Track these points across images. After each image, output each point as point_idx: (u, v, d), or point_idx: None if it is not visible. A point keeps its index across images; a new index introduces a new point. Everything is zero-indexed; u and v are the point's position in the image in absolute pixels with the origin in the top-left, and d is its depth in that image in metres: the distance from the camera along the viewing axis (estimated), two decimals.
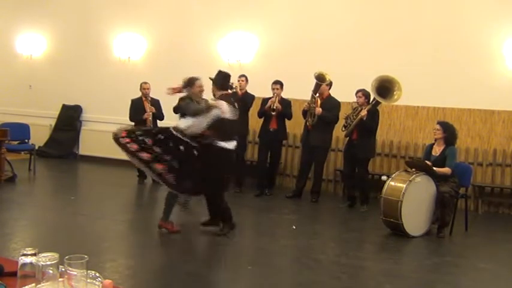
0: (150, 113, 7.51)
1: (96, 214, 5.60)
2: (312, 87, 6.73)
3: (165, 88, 5.23)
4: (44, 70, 10.34)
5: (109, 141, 9.86)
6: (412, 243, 5.14)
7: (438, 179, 5.39)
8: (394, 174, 5.55)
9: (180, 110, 5.15)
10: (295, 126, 7.70)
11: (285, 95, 7.24)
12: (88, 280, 1.49)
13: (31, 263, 1.52)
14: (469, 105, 7.21)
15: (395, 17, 7.62)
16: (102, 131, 9.60)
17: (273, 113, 6.99)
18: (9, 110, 10.10)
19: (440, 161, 5.51)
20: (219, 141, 4.75)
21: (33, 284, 1.48)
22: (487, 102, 7.08)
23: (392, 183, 5.36)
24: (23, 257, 1.54)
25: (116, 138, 4.79)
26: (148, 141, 4.69)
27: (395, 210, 5.18)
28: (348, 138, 6.73)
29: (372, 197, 6.84)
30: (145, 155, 4.59)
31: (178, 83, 5.13)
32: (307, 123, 6.87)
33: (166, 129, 4.93)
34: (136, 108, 7.60)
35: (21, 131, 8.04)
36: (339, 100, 6.87)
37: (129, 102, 7.73)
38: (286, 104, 7.12)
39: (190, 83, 4.99)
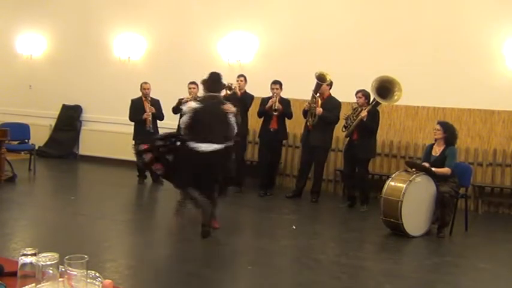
0: (150, 113, 7.50)
1: (96, 214, 5.60)
2: (312, 87, 6.73)
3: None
4: (44, 70, 10.34)
5: (109, 141, 9.98)
6: (412, 243, 5.14)
7: (438, 179, 5.39)
8: (394, 174, 5.55)
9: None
10: (295, 126, 7.70)
11: (285, 95, 7.24)
12: (88, 280, 1.49)
13: (31, 263, 1.52)
14: (469, 105, 7.21)
15: (395, 17, 7.62)
16: (102, 131, 9.63)
17: (275, 113, 6.99)
18: (9, 110, 10.10)
19: (440, 161, 5.50)
20: (191, 142, 4.72)
21: (33, 284, 1.48)
22: (487, 102, 7.08)
23: (392, 183, 5.36)
24: (23, 257, 1.54)
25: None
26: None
27: (396, 210, 5.18)
28: (348, 138, 6.72)
29: (372, 197, 6.84)
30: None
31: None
32: (308, 123, 6.87)
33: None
34: (136, 108, 7.60)
35: (21, 131, 8.04)
36: (339, 100, 6.87)
37: (129, 102, 7.73)
38: (286, 103, 7.12)
39: None
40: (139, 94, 7.67)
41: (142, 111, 7.51)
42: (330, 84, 6.81)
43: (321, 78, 6.65)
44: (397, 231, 5.28)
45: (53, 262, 1.49)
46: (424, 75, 7.29)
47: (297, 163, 7.87)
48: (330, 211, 6.86)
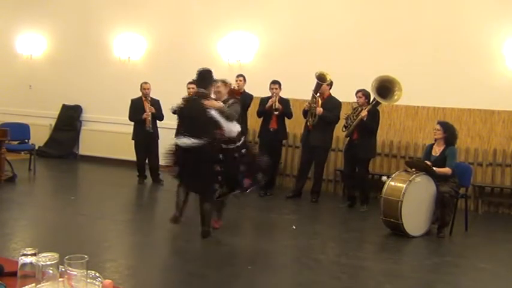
0: (150, 113, 7.50)
1: (96, 214, 5.60)
2: (312, 87, 6.73)
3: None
4: (44, 70, 10.34)
5: (109, 141, 9.98)
6: (412, 243, 5.14)
7: (438, 179, 5.39)
8: (394, 174, 5.55)
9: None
10: (295, 126, 7.70)
11: (285, 95, 7.24)
12: (88, 280, 1.49)
13: (31, 263, 1.52)
14: (469, 105, 7.21)
15: (395, 17, 7.62)
16: (102, 131, 9.63)
17: (276, 113, 6.99)
18: (9, 110, 10.10)
19: (440, 161, 5.50)
20: (175, 137, 4.87)
21: (33, 284, 1.48)
22: (487, 102, 7.08)
23: (392, 183, 5.36)
24: (23, 257, 1.54)
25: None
26: None
27: (396, 210, 5.18)
28: (348, 138, 6.72)
29: (372, 197, 6.84)
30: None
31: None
32: (308, 123, 6.86)
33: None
34: (136, 108, 7.60)
35: (21, 131, 8.04)
36: (340, 100, 6.87)
37: (129, 102, 7.73)
38: (285, 103, 7.13)
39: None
40: (139, 94, 7.67)
41: (142, 111, 7.51)
42: (330, 84, 6.81)
43: (321, 78, 6.65)
44: (397, 231, 5.28)
45: (53, 262, 1.49)
46: (424, 75, 7.29)
47: (297, 163, 7.87)
48: (330, 211, 6.86)
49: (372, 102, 6.36)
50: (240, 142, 4.87)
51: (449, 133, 5.59)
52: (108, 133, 9.50)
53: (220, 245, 4.72)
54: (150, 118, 7.50)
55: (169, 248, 4.77)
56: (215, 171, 4.67)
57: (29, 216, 5.45)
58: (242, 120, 6.67)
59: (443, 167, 5.45)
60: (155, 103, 7.68)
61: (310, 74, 6.70)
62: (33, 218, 5.39)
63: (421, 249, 5.06)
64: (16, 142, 8.13)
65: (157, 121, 7.72)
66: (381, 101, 6.29)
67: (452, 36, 7.28)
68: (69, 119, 10.03)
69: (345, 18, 7.91)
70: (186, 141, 4.65)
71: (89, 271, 1.49)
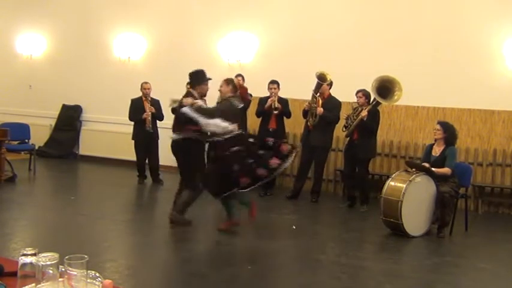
0: (150, 113, 7.50)
1: (96, 214, 5.60)
2: (312, 87, 6.72)
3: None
4: (44, 70, 10.34)
5: (109, 141, 9.98)
6: (412, 243, 5.14)
7: (438, 179, 5.39)
8: (394, 174, 5.55)
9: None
10: (295, 126, 7.70)
11: (285, 95, 7.24)
12: (88, 280, 1.49)
13: (31, 263, 1.52)
14: (469, 105, 7.21)
15: (395, 17, 7.62)
16: (102, 131, 9.63)
17: (275, 112, 6.99)
18: (9, 110, 10.10)
19: (440, 161, 5.50)
20: None
21: (33, 284, 1.48)
22: (487, 102, 7.08)
23: (392, 183, 5.36)
24: (23, 257, 1.54)
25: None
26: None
27: (396, 210, 5.18)
28: (348, 138, 6.72)
29: (372, 197, 6.84)
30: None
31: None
32: (308, 123, 6.86)
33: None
34: (136, 107, 7.61)
35: (21, 131, 8.04)
36: (340, 100, 6.87)
37: (129, 102, 7.73)
38: (284, 103, 7.13)
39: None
40: (140, 94, 7.67)
41: (142, 111, 7.51)
42: (330, 84, 6.81)
43: (321, 78, 6.65)
44: (397, 231, 5.27)
45: (53, 262, 1.49)
46: (424, 75, 7.29)
47: (297, 163, 7.85)
48: (330, 211, 6.86)
49: (372, 102, 6.36)
50: (227, 136, 4.86)
51: (449, 133, 5.59)
52: (108, 133, 9.50)
53: (220, 245, 4.72)
54: (150, 118, 7.50)
55: (169, 248, 4.77)
56: (192, 163, 5.09)
57: (29, 216, 5.45)
58: (242, 120, 6.69)
59: (443, 167, 5.45)
60: (155, 103, 7.68)
61: (310, 74, 6.70)
62: (33, 218, 5.39)
63: (421, 249, 5.06)
64: (16, 142, 8.14)
65: (157, 121, 7.72)
66: (381, 101, 6.28)
67: (452, 36, 7.28)
68: (69, 119, 10.03)
69: (345, 18, 7.91)
70: (171, 136, 5.19)
71: (89, 271, 1.49)
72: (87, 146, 9.85)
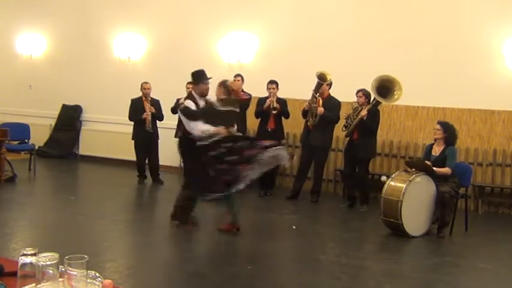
0: (149, 113, 7.50)
1: (96, 214, 5.60)
2: (312, 87, 6.72)
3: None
4: (44, 70, 10.34)
5: (109, 141, 9.97)
6: (412, 243, 5.14)
7: (438, 179, 5.39)
8: (394, 174, 5.55)
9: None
10: (295, 126, 7.70)
11: (285, 95, 7.24)
12: (88, 280, 1.49)
13: (31, 263, 1.52)
14: (469, 105, 7.21)
15: (395, 17, 7.62)
16: (102, 131, 9.63)
17: (274, 112, 6.99)
18: (9, 110, 10.10)
19: (440, 161, 5.51)
20: None
21: (33, 284, 1.48)
22: (487, 102, 7.08)
23: (392, 183, 5.36)
24: (23, 257, 1.54)
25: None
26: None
27: (395, 210, 5.18)
28: (348, 138, 6.72)
29: (372, 197, 6.84)
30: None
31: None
32: (308, 123, 6.85)
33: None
34: (136, 107, 7.60)
35: (21, 131, 8.04)
36: (339, 100, 6.87)
37: (129, 102, 7.73)
38: (282, 103, 7.12)
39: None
40: (139, 94, 7.67)
41: (142, 111, 7.51)
42: (330, 84, 6.81)
43: (321, 78, 6.65)
44: (397, 231, 5.28)
45: (53, 262, 1.49)
46: (424, 75, 7.29)
47: (297, 163, 7.86)
48: (330, 211, 6.86)
49: (372, 101, 6.36)
50: (210, 141, 4.79)
51: (449, 133, 5.59)
52: (108, 133, 9.50)
53: (220, 245, 4.72)
54: (150, 118, 7.50)
55: (169, 248, 4.77)
56: (186, 165, 5.30)
57: (29, 216, 5.45)
58: (242, 120, 6.69)
59: (443, 167, 5.45)
60: (155, 103, 7.68)
61: (310, 74, 6.70)
62: (33, 218, 5.39)
63: (421, 249, 5.06)
64: (16, 142, 8.14)
65: (157, 121, 7.72)
66: (380, 101, 6.29)
67: (452, 36, 7.28)
68: (69, 119, 10.03)
69: (345, 18, 7.91)
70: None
71: (89, 271, 1.49)
72: (87, 146, 9.85)
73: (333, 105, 6.80)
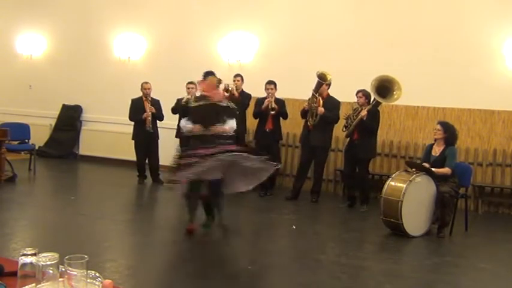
0: (150, 113, 7.50)
1: (96, 214, 5.60)
2: (312, 87, 6.72)
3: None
4: (44, 70, 10.34)
5: (109, 141, 9.98)
6: (412, 243, 5.14)
7: (438, 179, 5.39)
8: (394, 174, 5.55)
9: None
10: (295, 126, 7.69)
11: (285, 95, 7.24)
12: (88, 280, 1.49)
13: (31, 263, 1.52)
14: (469, 105, 7.21)
15: (395, 17, 7.62)
16: (102, 131, 9.63)
17: (272, 112, 6.99)
18: (9, 110, 10.10)
19: (440, 161, 5.50)
20: None
21: (33, 284, 1.48)
22: (487, 102, 7.08)
23: (392, 183, 5.36)
24: (23, 257, 1.54)
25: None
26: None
27: (396, 210, 5.18)
28: (348, 138, 6.72)
29: (372, 197, 6.84)
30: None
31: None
32: (308, 123, 6.85)
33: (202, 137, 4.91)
34: (136, 107, 7.60)
35: (21, 131, 8.04)
36: (339, 100, 6.88)
37: (129, 102, 7.73)
38: (280, 103, 7.12)
39: (220, 83, 5.15)
40: (140, 94, 7.67)
41: (143, 111, 7.51)
42: (329, 84, 6.80)
43: (322, 78, 6.65)
44: (397, 231, 5.27)
45: (53, 262, 1.49)
46: (424, 75, 7.29)
47: (297, 163, 7.86)
48: (330, 211, 6.86)
49: (372, 102, 6.36)
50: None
51: (449, 133, 5.59)
52: (108, 133, 9.50)
53: (220, 245, 4.72)
54: (150, 118, 7.50)
55: (169, 248, 4.76)
56: None
57: (29, 216, 5.45)
58: (241, 120, 6.69)
59: (443, 167, 5.45)
60: (155, 103, 7.68)
61: (311, 74, 6.70)
62: (33, 218, 5.38)
63: (421, 249, 5.06)
64: (16, 142, 8.13)
65: (158, 121, 7.72)
66: (380, 100, 6.29)
67: (452, 36, 7.28)
68: (69, 119, 10.03)
69: (344, 18, 7.91)
70: None
71: (89, 271, 1.49)
72: (87, 146, 9.85)
73: (332, 105, 6.80)
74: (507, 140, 7.07)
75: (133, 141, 7.76)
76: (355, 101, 6.57)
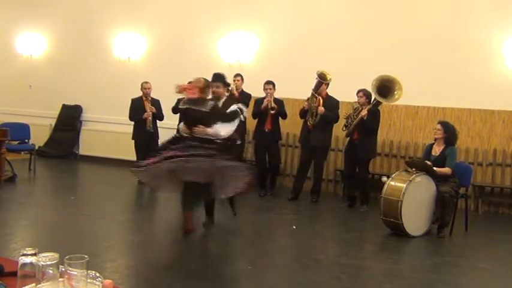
0: (150, 113, 7.50)
1: (97, 214, 5.60)
2: (312, 87, 6.72)
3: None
4: (44, 70, 10.34)
5: (109, 141, 9.97)
6: (412, 243, 5.14)
7: (438, 179, 5.39)
8: (394, 174, 5.55)
9: (224, 116, 4.97)
10: (295, 126, 7.68)
11: (285, 95, 7.23)
12: (88, 280, 1.49)
13: (31, 263, 1.52)
14: (469, 105, 7.21)
15: (395, 17, 7.62)
16: (102, 131, 9.63)
17: (272, 112, 6.98)
18: (9, 110, 10.10)
19: (440, 161, 5.50)
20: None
21: (33, 284, 1.48)
22: (487, 102, 7.08)
23: (392, 183, 5.36)
24: (23, 257, 1.54)
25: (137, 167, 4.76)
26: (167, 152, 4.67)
27: (396, 210, 5.18)
28: (348, 138, 6.72)
29: (372, 197, 6.84)
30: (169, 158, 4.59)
31: (185, 81, 5.18)
32: (308, 123, 6.84)
33: (182, 138, 4.90)
34: (136, 107, 7.60)
35: (21, 131, 8.04)
36: (339, 100, 6.88)
37: (129, 102, 7.73)
38: (279, 103, 7.12)
39: (208, 85, 5.04)
40: (140, 94, 7.67)
41: (143, 111, 7.51)
42: (327, 84, 6.80)
43: (322, 77, 6.65)
44: (397, 231, 5.28)
45: (53, 262, 1.49)
46: (424, 75, 7.29)
47: (297, 163, 7.86)
48: (330, 211, 6.86)
49: (373, 102, 6.36)
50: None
51: (449, 133, 5.60)
52: (108, 133, 9.50)
53: (220, 245, 4.72)
54: (150, 118, 7.50)
55: (169, 248, 4.77)
56: None
57: (29, 216, 5.45)
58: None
59: (443, 166, 5.45)
60: (155, 103, 7.68)
61: (310, 74, 6.70)
62: (33, 218, 5.38)
63: (421, 249, 5.06)
64: (16, 142, 8.14)
65: (158, 121, 7.72)
66: (381, 100, 6.29)
67: (452, 36, 7.28)
68: (69, 119, 10.03)
69: (344, 18, 7.91)
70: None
71: (89, 271, 1.49)
72: (87, 146, 9.85)
73: (332, 104, 6.80)
74: (507, 140, 7.07)
75: (133, 141, 7.76)
76: (356, 100, 6.56)
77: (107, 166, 9.11)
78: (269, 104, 6.96)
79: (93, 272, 1.56)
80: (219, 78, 5.10)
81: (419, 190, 5.28)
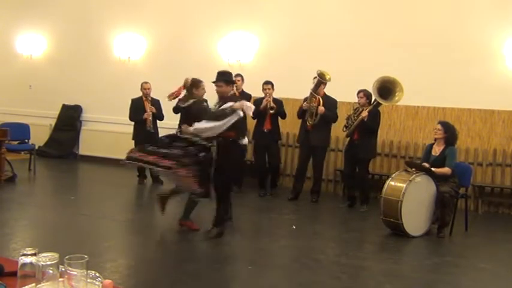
0: (150, 113, 7.51)
1: (97, 214, 5.60)
2: (312, 87, 6.72)
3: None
4: (44, 70, 10.34)
5: (109, 141, 9.98)
6: (412, 243, 5.14)
7: (438, 179, 5.39)
8: (394, 174, 5.55)
9: (205, 114, 4.93)
10: (295, 126, 7.67)
11: (285, 95, 7.23)
12: (88, 280, 1.49)
13: (31, 263, 1.52)
14: (469, 105, 7.20)
15: (395, 17, 7.62)
16: (102, 131, 9.63)
17: (271, 111, 6.98)
18: (9, 110, 10.11)
19: (440, 161, 5.50)
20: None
21: (33, 284, 1.48)
22: (487, 102, 7.08)
23: (392, 183, 5.36)
24: (23, 257, 1.54)
25: (129, 157, 4.77)
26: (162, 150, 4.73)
27: (395, 210, 5.18)
28: (348, 138, 6.72)
29: (372, 197, 6.84)
30: (166, 162, 4.61)
31: (178, 85, 5.19)
32: (308, 123, 6.84)
33: (175, 136, 4.96)
34: (137, 107, 7.61)
35: (21, 131, 8.04)
36: (339, 100, 6.88)
37: (129, 102, 7.73)
38: (278, 103, 7.12)
39: (195, 84, 5.06)
40: (140, 94, 7.68)
41: (143, 111, 7.51)
42: (325, 84, 6.79)
43: (322, 77, 6.65)
44: (397, 231, 5.28)
45: (53, 262, 1.49)
46: (424, 75, 7.29)
47: (297, 163, 7.85)
48: (330, 211, 6.86)
49: (373, 102, 6.36)
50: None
51: (450, 133, 5.59)
52: (108, 133, 9.50)
53: (220, 245, 4.72)
54: (150, 118, 7.50)
55: (169, 248, 4.76)
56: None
57: (29, 216, 5.45)
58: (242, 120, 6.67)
59: (443, 166, 5.45)
60: (155, 103, 7.68)
61: (310, 74, 6.70)
62: (33, 218, 5.38)
63: (421, 249, 5.06)
64: (16, 142, 8.14)
65: (158, 121, 7.72)
66: (381, 102, 6.28)
67: (452, 36, 7.28)
68: (69, 119, 10.03)
69: (344, 18, 7.91)
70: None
71: (89, 271, 1.49)
72: (87, 146, 9.85)
73: (331, 104, 6.80)
74: (507, 140, 7.06)
75: (133, 141, 7.75)
76: (356, 101, 6.56)
77: (107, 166, 9.10)
78: (268, 104, 6.96)
79: (93, 272, 1.56)
80: (221, 76, 5.08)
81: (419, 190, 5.28)
